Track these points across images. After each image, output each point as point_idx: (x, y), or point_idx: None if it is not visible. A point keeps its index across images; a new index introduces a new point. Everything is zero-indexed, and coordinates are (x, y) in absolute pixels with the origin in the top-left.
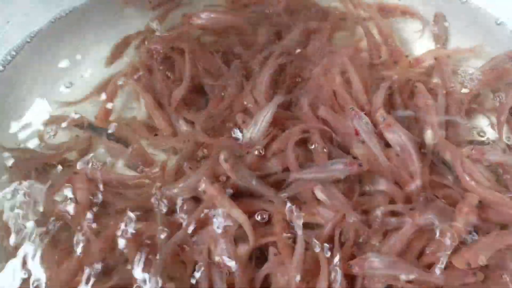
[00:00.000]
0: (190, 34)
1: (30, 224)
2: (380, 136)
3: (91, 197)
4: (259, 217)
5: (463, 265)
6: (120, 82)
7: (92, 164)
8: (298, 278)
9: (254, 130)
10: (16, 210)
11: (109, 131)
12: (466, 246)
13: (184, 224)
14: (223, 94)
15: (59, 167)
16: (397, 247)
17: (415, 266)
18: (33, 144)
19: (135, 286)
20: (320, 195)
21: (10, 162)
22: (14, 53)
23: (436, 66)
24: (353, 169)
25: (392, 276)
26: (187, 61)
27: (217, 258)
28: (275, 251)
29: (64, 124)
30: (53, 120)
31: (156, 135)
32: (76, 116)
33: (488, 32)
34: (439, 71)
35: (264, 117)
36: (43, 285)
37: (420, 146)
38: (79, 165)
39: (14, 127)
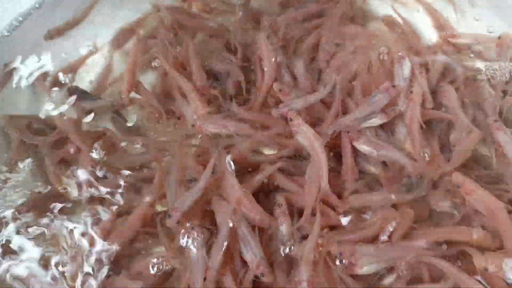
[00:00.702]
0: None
1: None
2: None
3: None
4: None
5: (480, 265)
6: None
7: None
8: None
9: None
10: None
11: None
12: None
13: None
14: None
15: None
16: None
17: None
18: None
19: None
20: (363, 147)
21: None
22: (21, 19)
23: (499, 47)
24: (393, 92)
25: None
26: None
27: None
28: (281, 202)
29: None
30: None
31: (193, 126)
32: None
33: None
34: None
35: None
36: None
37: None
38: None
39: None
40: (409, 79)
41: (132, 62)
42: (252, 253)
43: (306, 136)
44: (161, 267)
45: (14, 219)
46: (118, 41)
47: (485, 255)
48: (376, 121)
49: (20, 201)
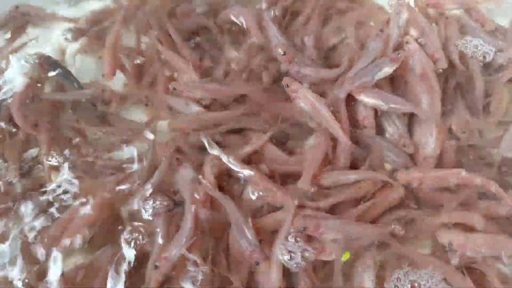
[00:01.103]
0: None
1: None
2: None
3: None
4: None
5: (443, 241)
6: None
7: None
8: None
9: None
10: None
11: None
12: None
13: None
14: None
15: None
16: None
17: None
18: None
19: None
20: (368, 100)
21: None
22: None
23: None
24: (382, 34)
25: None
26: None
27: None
28: (265, 170)
29: None
30: None
31: (174, 89)
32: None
33: None
34: None
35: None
36: None
37: None
38: None
39: None
40: (404, 28)
41: (113, 41)
42: (246, 240)
43: (307, 100)
44: (138, 241)
45: None
46: (76, 32)
47: (450, 229)
48: (387, 69)
49: None
